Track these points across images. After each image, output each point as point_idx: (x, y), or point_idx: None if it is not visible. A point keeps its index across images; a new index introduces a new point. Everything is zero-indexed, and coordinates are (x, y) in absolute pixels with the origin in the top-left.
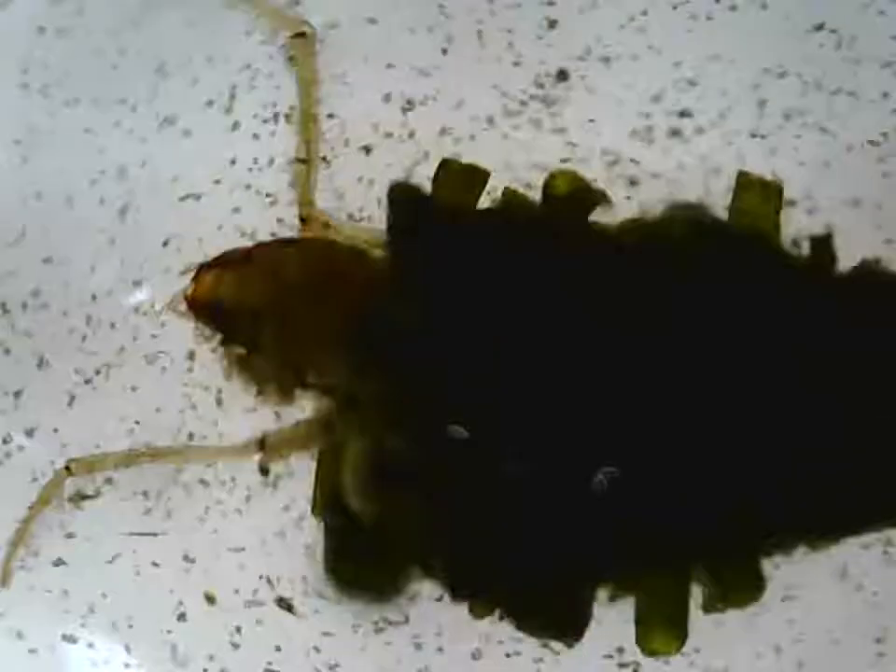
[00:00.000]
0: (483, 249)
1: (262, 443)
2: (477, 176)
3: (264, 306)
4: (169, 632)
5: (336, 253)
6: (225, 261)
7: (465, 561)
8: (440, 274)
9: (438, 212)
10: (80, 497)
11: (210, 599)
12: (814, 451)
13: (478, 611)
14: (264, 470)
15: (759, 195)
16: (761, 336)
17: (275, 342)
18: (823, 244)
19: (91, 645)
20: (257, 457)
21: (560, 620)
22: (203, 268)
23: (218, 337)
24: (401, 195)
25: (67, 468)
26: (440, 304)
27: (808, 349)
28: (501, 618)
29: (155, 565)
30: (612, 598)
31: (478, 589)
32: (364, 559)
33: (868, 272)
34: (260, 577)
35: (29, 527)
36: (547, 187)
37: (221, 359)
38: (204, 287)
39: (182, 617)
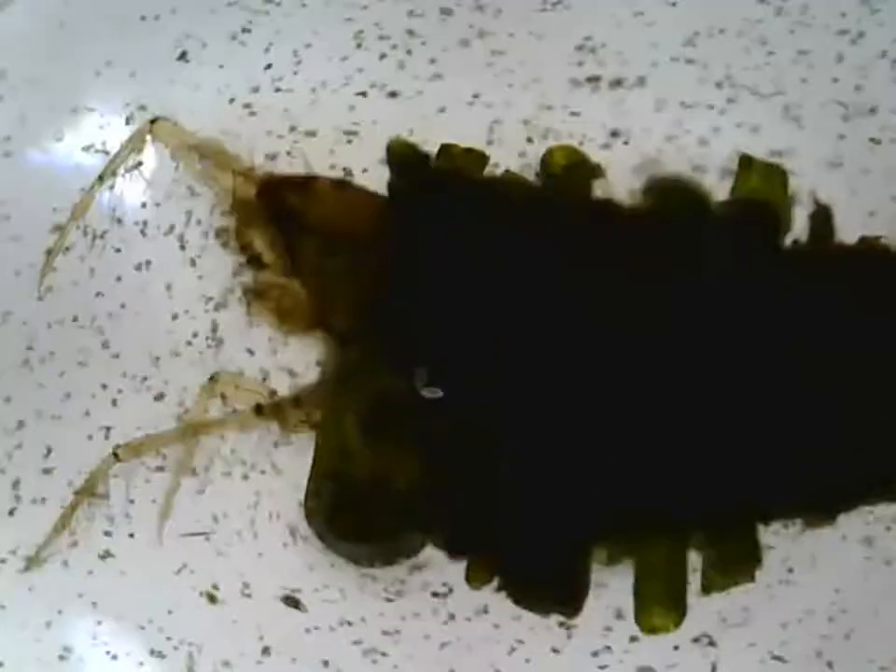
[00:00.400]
0: (480, 213)
1: (259, 409)
2: (476, 159)
3: (330, 232)
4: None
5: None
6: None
7: (464, 523)
8: (438, 235)
9: (436, 172)
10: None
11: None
12: (811, 425)
13: (475, 579)
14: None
15: (761, 178)
16: (760, 308)
17: (322, 269)
18: (823, 219)
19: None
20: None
21: (558, 590)
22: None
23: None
24: (399, 153)
25: (115, 454)
26: (436, 263)
27: (808, 322)
28: (500, 589)
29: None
30: (610, 560)
31: (476, 551)
32: (364, 513)
33: (868, 246)
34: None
35: (73, 515)
36: (545, 161)
37: (250, 288)
38: (292, 189)
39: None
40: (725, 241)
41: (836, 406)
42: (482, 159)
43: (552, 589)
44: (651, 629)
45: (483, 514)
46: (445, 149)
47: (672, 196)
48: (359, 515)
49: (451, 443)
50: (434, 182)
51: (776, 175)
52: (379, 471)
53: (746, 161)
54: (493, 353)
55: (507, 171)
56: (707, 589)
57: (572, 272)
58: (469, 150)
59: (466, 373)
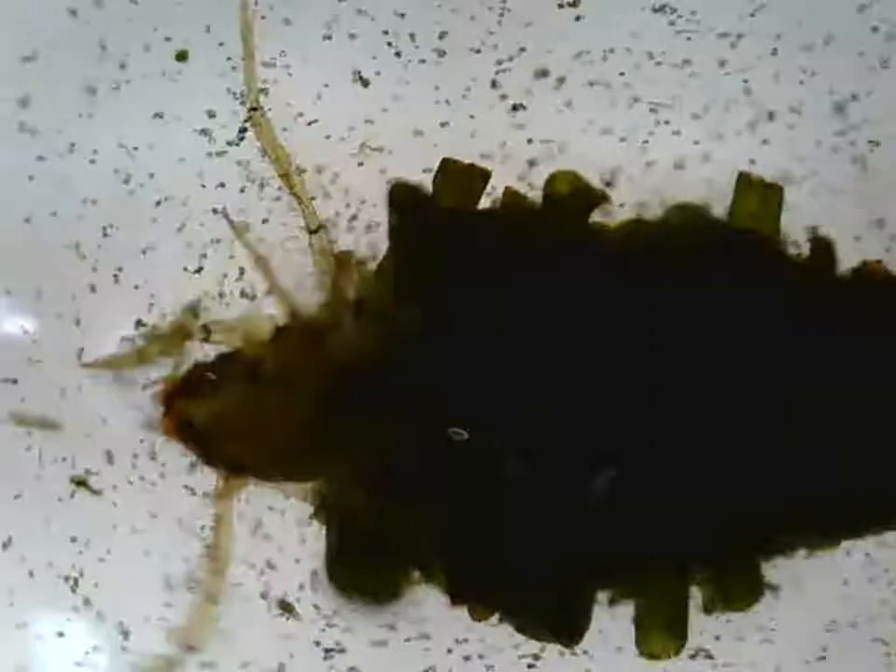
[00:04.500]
0: (484, 250)
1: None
2: (477, 176)
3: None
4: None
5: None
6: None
7: (464, 566)
8: (441, 275)
9: (439, 213)
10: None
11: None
12: (812, 455)
13: (477, 614)
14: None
15: (759, 197)
16: (761, 339)
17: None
18: (823, 245)
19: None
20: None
21: (559, 622)
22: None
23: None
24: (402, 195)
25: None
26: (440, 305)
27: (808, 353)
28: (501, 620)
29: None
30: (612, 602)
31: (477, 593)
32: (364, 564)
33: (868, 274)
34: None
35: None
36: (547, 187)
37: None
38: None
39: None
40: (725, 268)
41: (839, 439)
42: (483, 175)
43: (552, 627)
44: (651, 655)
45: (485, 563)
46: (446, 164)
47: (674, 223)
48: (359, 570)
49: (452, 491)
50: (437, 225)
51: (773, 194)
52: (379, 524)
53: (744, 181)
54: (493, 396)
55: (507, 188)
56: (708, 611)
57: (572, 273)
58: (471, 166)
59: (469, 417)
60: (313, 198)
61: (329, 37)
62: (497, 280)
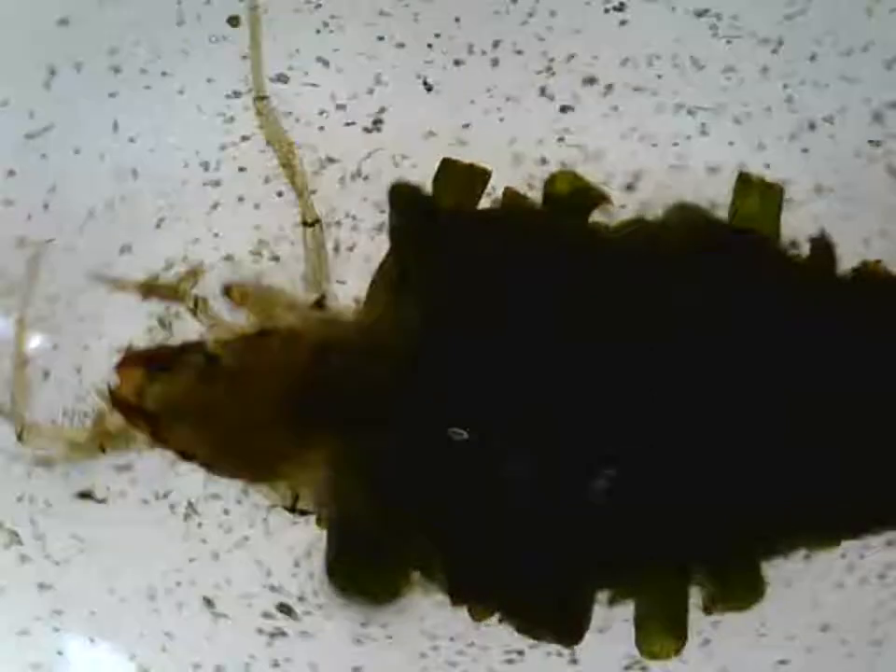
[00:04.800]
0: (484, 250)
1: None
2: (478, 176)
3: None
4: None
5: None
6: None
7: (464, 566)
8: (441, 275)
9: (439, 212)
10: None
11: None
12: (812, 455)
13: (477, 614)
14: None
15: (759, 197)
16: (761, 339)
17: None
18: (823, 245)
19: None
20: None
21: (559, 622)
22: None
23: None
24: (402, 196)
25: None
26: (440, 305)
27: (808, 353)
28: (501, 620)
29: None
30: (612, 602)
31: (477, 593)
32: (364, 564)
33: (868, 274)
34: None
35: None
36: (547, 187)
37: None
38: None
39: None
40: (725, 268)
41: (839, 439)
42: (483, 175)
43: (552, 627)
44: (651, 655)
45: (485, 563)
46: (446, 164)
47: (674, 223)
48: (359, 570)
49: (452, 491)
50: (437, 225)
51: (772, 193)
52: (379, 524)
53: (744, 179)
54: (493, 396)
55: (507, 188)
56: (708, 612)
57: (573, 272)
58: (471, 166)
59: (469, 417)
60: (313, 191)
61: (345, 35)
62: (497, 280)
